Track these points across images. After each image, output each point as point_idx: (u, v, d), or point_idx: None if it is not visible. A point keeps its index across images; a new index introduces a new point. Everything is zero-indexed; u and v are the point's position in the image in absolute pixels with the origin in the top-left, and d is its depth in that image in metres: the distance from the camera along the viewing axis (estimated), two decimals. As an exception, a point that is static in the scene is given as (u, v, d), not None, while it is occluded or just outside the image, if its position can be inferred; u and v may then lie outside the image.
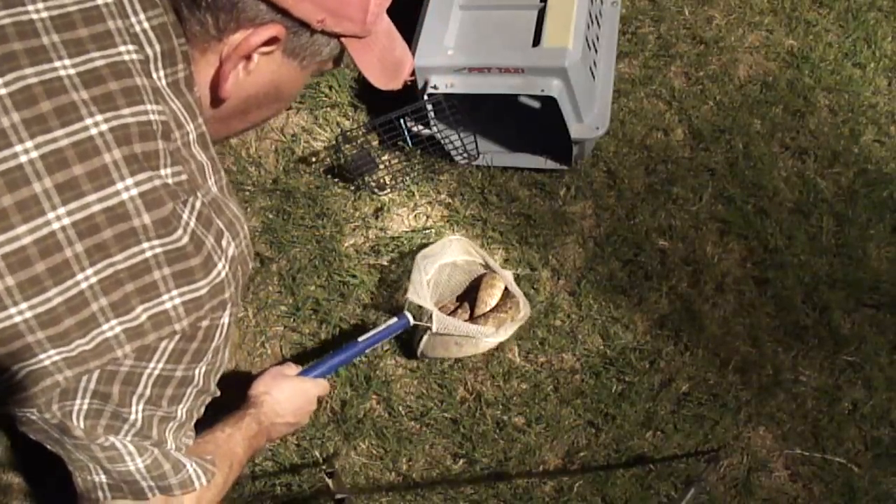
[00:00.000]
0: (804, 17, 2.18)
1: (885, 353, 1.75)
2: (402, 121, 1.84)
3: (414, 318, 1.50)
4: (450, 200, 1.91)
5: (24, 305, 0.66)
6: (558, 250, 1.85)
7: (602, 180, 1.93)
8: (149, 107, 0.70)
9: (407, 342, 1.73)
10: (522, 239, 1.86)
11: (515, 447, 1.66)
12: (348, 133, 1.92)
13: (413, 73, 0.90)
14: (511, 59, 1.72)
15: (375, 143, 1.97)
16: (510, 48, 1.76)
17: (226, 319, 0.76)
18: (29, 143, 0.65)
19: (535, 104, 1.92)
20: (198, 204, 0.72)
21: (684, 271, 1.83)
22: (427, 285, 1.62)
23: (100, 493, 0.79)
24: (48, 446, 0.77)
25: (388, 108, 1.82)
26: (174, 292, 0.71)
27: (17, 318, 0.66)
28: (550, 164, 1.90)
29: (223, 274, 0.74)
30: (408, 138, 1.88)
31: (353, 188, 1.92)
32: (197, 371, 0.77)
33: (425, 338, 1.62)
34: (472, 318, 1.69)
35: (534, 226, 1.87)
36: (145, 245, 0.69)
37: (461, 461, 1.66)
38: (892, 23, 2.19)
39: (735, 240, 1.87)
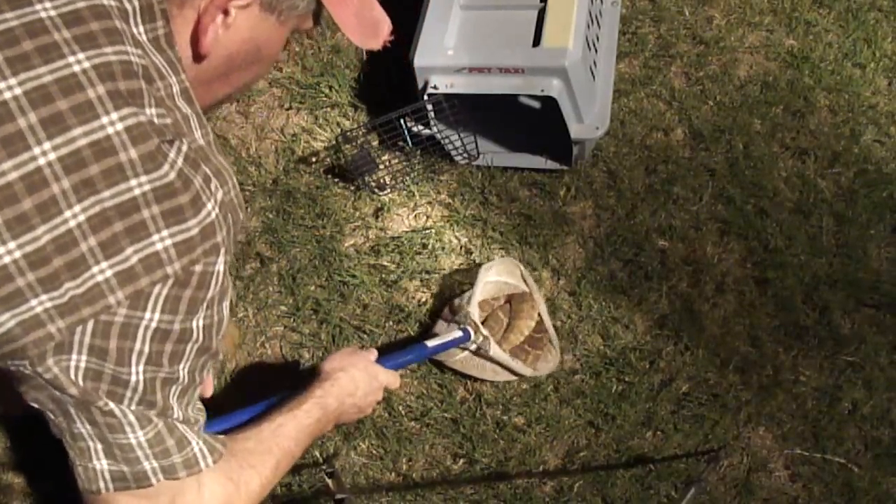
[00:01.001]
0: (804, 17, 2.18)
1: (885, 353, 1.75)
2: (402, 121, 1.84)
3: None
4: (450, 200, 1.91)
5: (12, 244, 0.65)
6: (558, 250, 1.85)
7: (602, 180, 1.93)
8: (130, 49, 0.70)
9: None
10: (522, 239, 1.86)
11: (515, 447, 1.66)
12: (348, 133, 1.92)
13: (393, 33, 0.91)
14: (511, 59, 1.72)
15: (375, 143, 1.97)
16: (510, 48, 1.76)
17: (220, 267, 0.75)
18: (12, 80, 0.65)
19: (535, 104, 1.92)
20: (184, 147, 0.72)
21: (684, 271, 1.83)
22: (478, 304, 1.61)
23: (101, 484, 0.77)
24: (50, 417, 0.75)
25: (388, 108, 1.82)
26: (164, 233, 0.70)
27: (7, 259, 0.65)
28: (550, 164, 1.90)
29: (213, 215, 0.73)
30: (408, 138, 1.88)
31: (353, 188, 1.92)
32: (195, 324, 0.75)
33: (464, 354, 1.61)
34: (504, 340, 1.68)
35: (534, 226, 1.87)
36: (133, 182, 0.68)
37: (461, 461, 1.66)
38: (892, 23, 2.19)
39: (735, 240, 1.87)
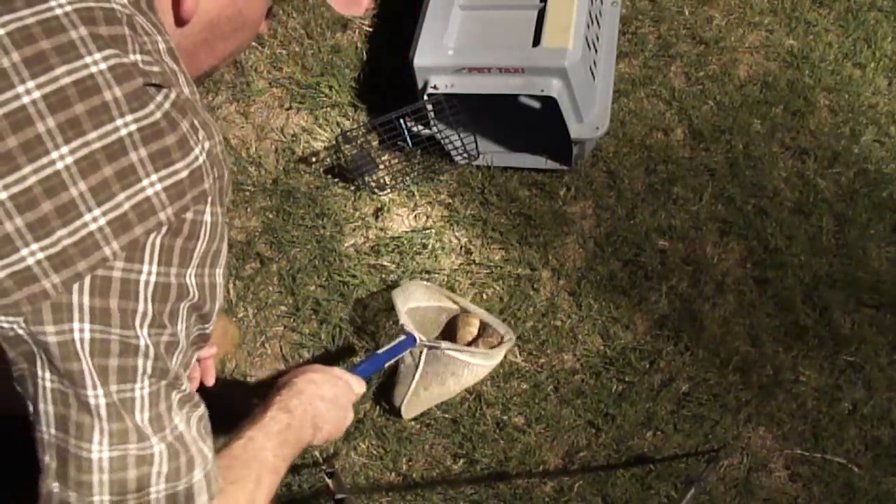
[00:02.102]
0: (804, 17, 2.18)
1: (885, 353, 1.75)
2: (402, 121, 1.84)
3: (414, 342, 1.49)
4: (450, 200, 1.91)
5: None
6: (558, 250, 1.85)
7: (602, 180, 1.93)
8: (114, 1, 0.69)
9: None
10: (522, 239, 1.86)
11: (515, 447, 1.66)
12: (348, 133, 1.92)
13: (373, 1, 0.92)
14: (511, 59, 1.72)
15: (375, 143, 1.97)
16: (510, 48, 1.76)
17: (208, 217, 0.73)
18: None
19: (535, 104, 1.92)
20: (172, 95, 0.71)
21: (684, 271, 1.83)
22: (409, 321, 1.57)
23: None
24: (34, 409, 0.71)
25: (388, 108, 1.82)
26: (154, 177, 0.69)
27: None
28: (550, 164, 1.90)
29: (201, 160, 0.72)
30: (408, 138, 1.88)
31: (353, 188, 1.92)
32: (188, 279, 0.73)
33: (418, 376, 1.58)
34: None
35: (534, 226, 1.87)
36: (119, 122, 0.67)
37: (461, 461, 1.66)
38: (892, 23, 2.19)
39: (735, 240, 1.87)
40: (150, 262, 0.70)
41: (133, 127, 0.68)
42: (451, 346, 1.56)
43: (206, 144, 0.73)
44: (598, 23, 1.91)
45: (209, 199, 0.73)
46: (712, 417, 1.68)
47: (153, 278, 0.70)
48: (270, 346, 1.76)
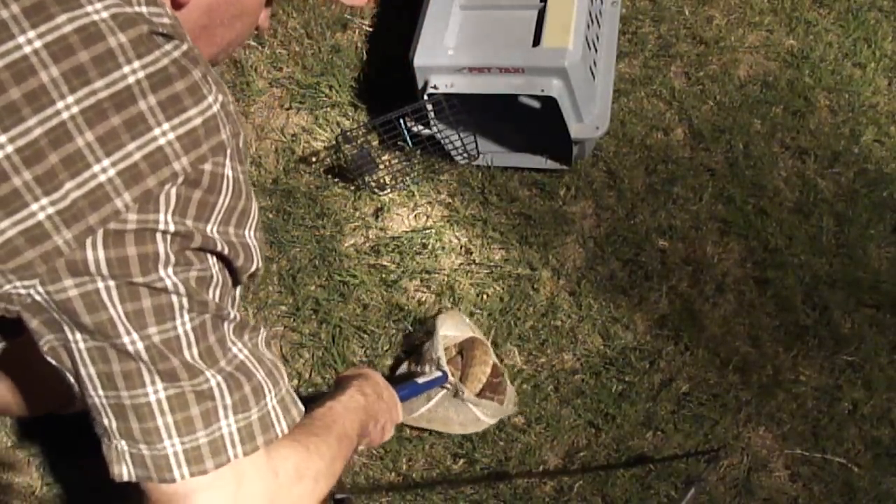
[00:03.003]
0: (804, 17, 2.18)
1: (885, 353, 1.75)
2: (402, 121, 1.84)
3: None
4: (450, 200, 1.91)
5: (3, 138, 0.62)
6: (558, 250, 1.85)
7: (602, 180, 1.93)
8: None
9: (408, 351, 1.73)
10: (522, 239, 1.86)
11: (515, 447, 1.66)
12: (348, 133, 1.92)
13: None
14: (511, 59, 1.72)
15: (375, 143, 1.97)
16: (510, 48, 1.76)
17: (229, 172, 0.70)
18: None
19: (535, 104, 1.92)
20: (183, 46, 0.69)
21: (684, 271, 1.83)
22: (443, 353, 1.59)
23: (175, 472, 0.69)
24: (78, 375, 0.68)
25: (388, 108, 1.82)
26: (165, 126, 0.66)
27: None
28: (550, 164, 1.90)
29: (215, 109, 0.69)
30: (408, 138, 1.88)
31: (353, 188, 1.92)
32: (212, 234, 0.69)
33: (431, 404, 1.59)
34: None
35: (534, 226, 1.87)
36: (126, 69, 0.65)
37: (461, 461, 1.66)
38: (892, 23, 2.19)
39: (735, 240, 1.87)
40: (166, 212, 0.66)
41: (141, 74, 0.66)
42: (472, 398, 1.57)
43: (220, 97, 0.71)
44: (598, 23, 1.91)
45: (228, 152, 0.70)
46: (712, 417, 1.68)
47: (172, 227, 0.67)
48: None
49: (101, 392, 0.69)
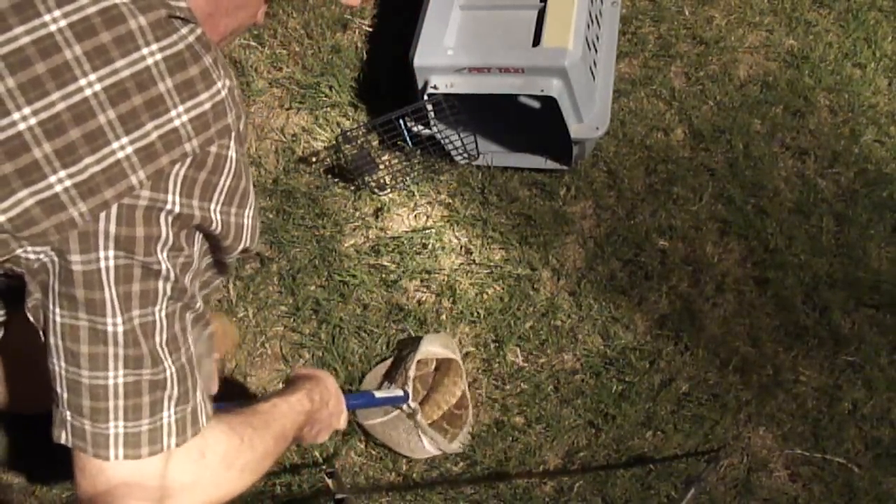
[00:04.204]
0: (804, 17, 2.18)
1: (885, 353, 1.75)
2: (402, 121, 1.84)
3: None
4: (450, 200, 1.91)
5: (27, 110, 0.65)
6: (558, 250, 1.85)
7: (602, 180, 1.93)
8: None
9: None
10: (522, 239, 1.86)
11: (515, 447, 1.66)
12: (348, 133, 1.92)
13: None
14: (511, 59, 1.72)
15: (375, 143, 1.97)
16: (510, 48, 1.76)
17: (232, 153, 0.74)
18: None
19: (535, 104, 1.92)
20: (197, 31, 0.72)
21: (684, 271, 1.83)
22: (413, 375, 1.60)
23: (111, 451, 0.73)
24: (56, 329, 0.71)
25: (388, 108, 1.82)
26: (181, 108, 0.70)
27: (21, 125, 0.65)
28: (550, 164, 1.90)
29: (223, 93, 0.73)
30: (408, 138, 1.88)
31: (353, 188, 1.92)
32: (213, 214, 0.73)
33: (387, 418, 1.60)
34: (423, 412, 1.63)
35: (534, 226, 1.87)
36: (145, 50, 0.68)
37: (461, 461, 1.66)
38: (892, 23, 2.19)
39: (735, 240, 1.87)
40: (174, 193, 0.70)
41: (158, 56, 0.69)
42: (424, 425, 1.57)
43: (227, 82, 0.74)
44: (598, 23, 1.91)
45: (232, 135, 0.74)
46: (712, 417, 1.68)
47: (177, 209, 0.71)
48: (270, 346, 1.76)
49: (62, 364, 0.72)
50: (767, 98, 2.05)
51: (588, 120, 1.81)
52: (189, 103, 0.70)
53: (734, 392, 1.71)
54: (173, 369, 0.74)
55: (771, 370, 1.73)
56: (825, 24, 2.18)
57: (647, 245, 1.85)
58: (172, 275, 0.72)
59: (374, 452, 1.66)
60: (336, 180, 1.94)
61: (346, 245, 1.86)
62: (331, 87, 2.05)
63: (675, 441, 1.66)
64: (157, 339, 0.73)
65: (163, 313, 0.73)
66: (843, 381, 1.72)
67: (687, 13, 2.18)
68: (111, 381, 0.72)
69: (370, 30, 2.16)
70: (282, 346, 1.76)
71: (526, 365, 1.74)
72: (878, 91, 2.09)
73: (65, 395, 0.73)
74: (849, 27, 2.17)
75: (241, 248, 0.80)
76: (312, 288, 1.81)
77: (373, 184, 1.90)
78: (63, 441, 0.74)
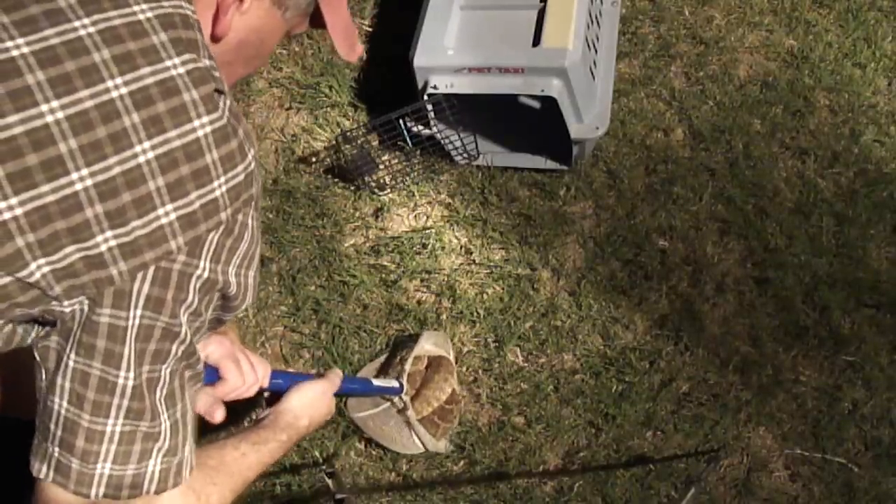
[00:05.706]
0: (804, 17, 2.18)
1: (885, 353, 1.75)
2: (402, 121, 1.84)
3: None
4: (450, 200, 1.91)
5: (85, 171, 0.68)
6: (558, 250, 1.85)
7: (602, 180, 1.93)
8: (185, 4, 0.76)
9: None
10: (522, 239, 1.86)
11: (515, 447, 1.66)
12: (348, 133, 1.92)
13: (362, 54, 1.01)
14: (511, 59, 1.72)
15: (375, 143, 1.97)
16: (510, 48, 1.76)
17: (252, 221, 0.78)
18: (86, 20, 0.70)
19: (535, 104, 1.92)
20: (229, 101, 0.76)
21: (684, 271, 1.83)
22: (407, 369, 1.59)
23: (92, 490, 0.75)
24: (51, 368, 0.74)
25: (388, 108, 1.82)
26: (222, 179, 0.74)
27: (78, 186, 0.68)
28: (550, 164, 1.90)
29: (252, 165, 0.77)
30: (408, 138, 1.88)
31: (353, 188, 1.92)
32: (231, 277, 0.77)
33: (378, 410, 1.60)
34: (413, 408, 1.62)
35: (534, 226, 1.87)
36: (196, 123, 0.72)
37: (461, 461, 1.66)
38: (892, 23, 2.19)
39: (735, 240, 1.87)
40: (206, 259, 0.75)
41: (208, 129, 0.73)
42: (414, 420, 1.57)
43: (252, 151, 0.79)
44: (598, 23, 1.91)
45: (254, 203, 0.79)
46: (712, 417, 1.68)
47: (206, 274, 0.75)
48: (270, 346, 1.76)
49: (64, 403, 0.74)
50: (767, 98, 2.05)
51: (588, 120, 1.81)
52: (229, 174, 0.75)
53: (734, 392, 1.71)
54: (168, 424, 0.78)
55: (771, 370, 1.73)
56: (825, 23, 2.18)
57: (647, 245, 1.85)
58: (188, 338, 0.76)
59: (373, 452, 1.66)
60: (336, 180, 1.94)
61: (345, 245, 1.86)
62: (331, 87, 2.05)
63: (675, 441, 1.66)
64: (158, 394, 0.76)
65: (168, 370, 0.76)
66: (843, 381, 1.72)
67: (687, 13, 2.18)
68: (109, 428, 0.75)
69: (370, 30, 2.16)
70: (282, 346, 1.76)
71: (526, 365, 1.74)
72: (877, 91, 2.09)
73: (58, 433, 0.75)
74: (849, 27, 2.17)
75: (244, 306, 0.83)
76: (312, 288, 1.81)
77: (373, 184, 1.90)
78: (41, 476, 0.76)
